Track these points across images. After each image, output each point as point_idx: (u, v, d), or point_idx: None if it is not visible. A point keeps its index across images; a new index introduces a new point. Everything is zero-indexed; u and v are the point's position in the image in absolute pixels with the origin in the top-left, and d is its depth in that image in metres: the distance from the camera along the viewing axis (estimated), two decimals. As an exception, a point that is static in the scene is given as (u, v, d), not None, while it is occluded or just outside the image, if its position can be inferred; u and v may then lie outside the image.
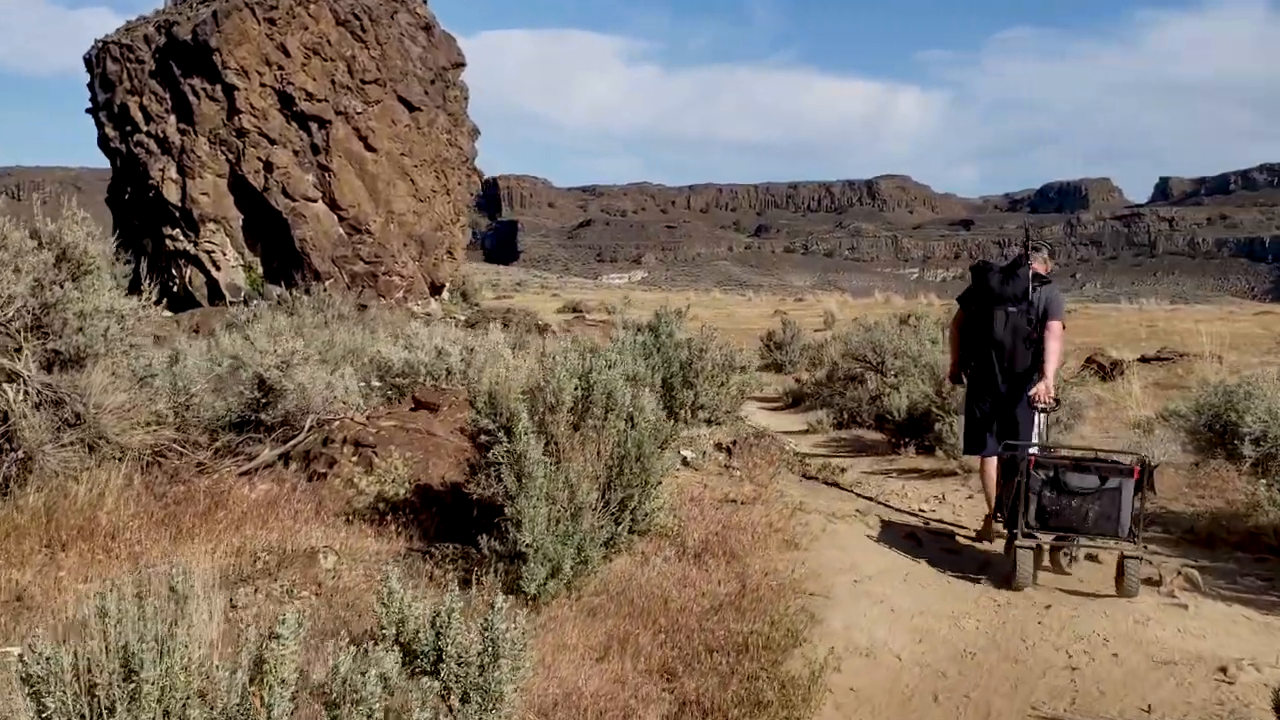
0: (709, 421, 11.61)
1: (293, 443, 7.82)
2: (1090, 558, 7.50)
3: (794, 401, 23.42)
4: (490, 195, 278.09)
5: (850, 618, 5.98)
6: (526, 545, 5.58)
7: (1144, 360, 24.43)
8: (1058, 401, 8.01)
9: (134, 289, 7.72)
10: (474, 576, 5.62)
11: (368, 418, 7.90)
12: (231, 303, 22.77)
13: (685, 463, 8.44)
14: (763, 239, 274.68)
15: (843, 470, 10.82)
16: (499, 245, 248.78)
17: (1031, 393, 7.66)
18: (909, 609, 6.27)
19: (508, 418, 5.92)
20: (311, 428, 7.92)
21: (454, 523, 6.58)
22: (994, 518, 7.99)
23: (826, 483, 9.56)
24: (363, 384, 9.21)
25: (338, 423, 7.79)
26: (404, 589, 3.54)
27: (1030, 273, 7.73)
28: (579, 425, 6.08)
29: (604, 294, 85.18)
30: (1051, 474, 6.81)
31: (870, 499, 9.36)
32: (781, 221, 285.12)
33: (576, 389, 6.14)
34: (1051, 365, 7.65)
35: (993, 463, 8.06)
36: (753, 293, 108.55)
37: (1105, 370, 22.38)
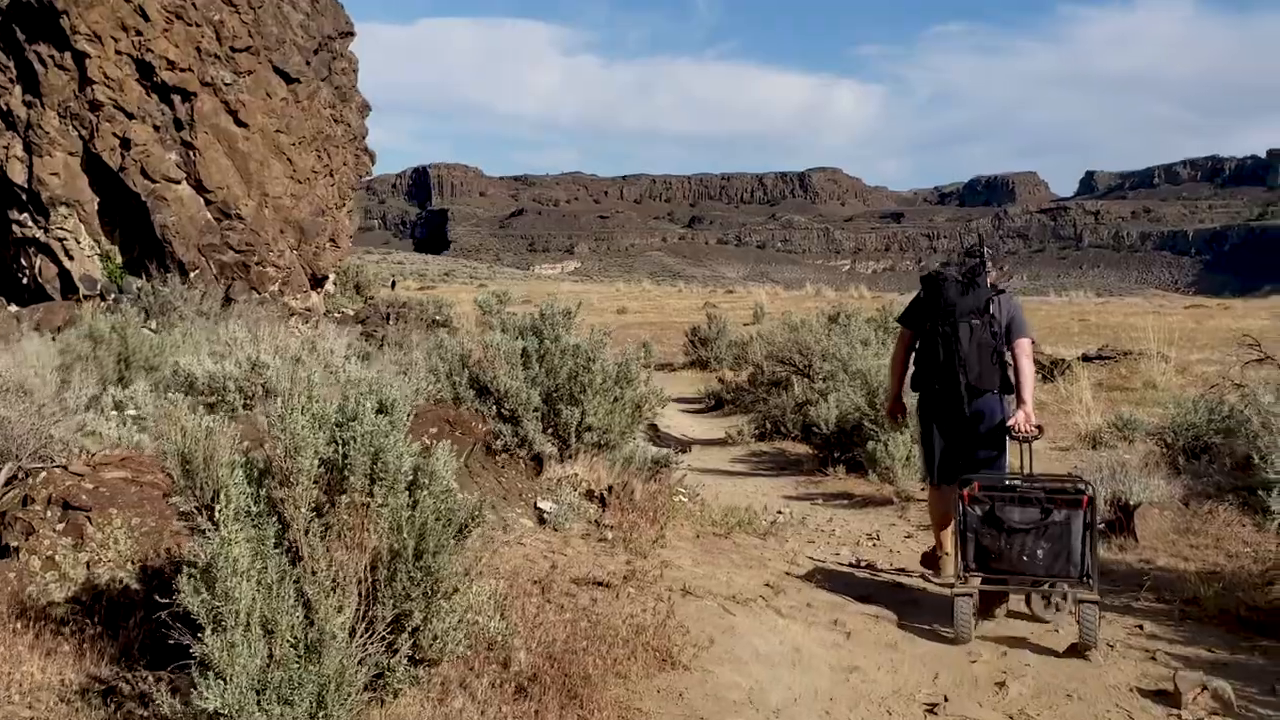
0: (599, 446, 9.52)
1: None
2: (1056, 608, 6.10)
3: (716, 404, 21.66)
4: (421, 183, 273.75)
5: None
6: (218, 710, 3.42)
7: (1086, 359, 22.89)
8: (1040, 430, 6.91)
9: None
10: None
11: (92, 465, 5.63)
12: (86, 296, 20.17)
13: (542, 520, 6.29)
14: (696, 230, 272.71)
15: (757, 514, 8.76)
16: (429, 235, 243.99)
17: (1011, 422, 6.74)
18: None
19: (213, 494, 3.77)
20: (10, 480, 5.65)
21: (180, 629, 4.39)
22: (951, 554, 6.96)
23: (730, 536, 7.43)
24: (117, 412, 6.91)
25: (44, 474, 5.52)
26: None
27: (988, 282, 6.90)
28: (329, 505, 3.92)
29: (535, 285, 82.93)
30: (988, 508, 5.89)
31: (789, 563, 7.25)
32: (715, 213, 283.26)
33: (334, 445, 3.98)
34: (1028, 389, 6.77)
35: (950, 492, 6.83)
36: (685, 284, 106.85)
37: (1047, 370, 20.76)
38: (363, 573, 3.94)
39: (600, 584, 5.36)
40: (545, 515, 6.25)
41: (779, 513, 10.55)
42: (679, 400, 22.30)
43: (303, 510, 3.88)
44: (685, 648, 4.79)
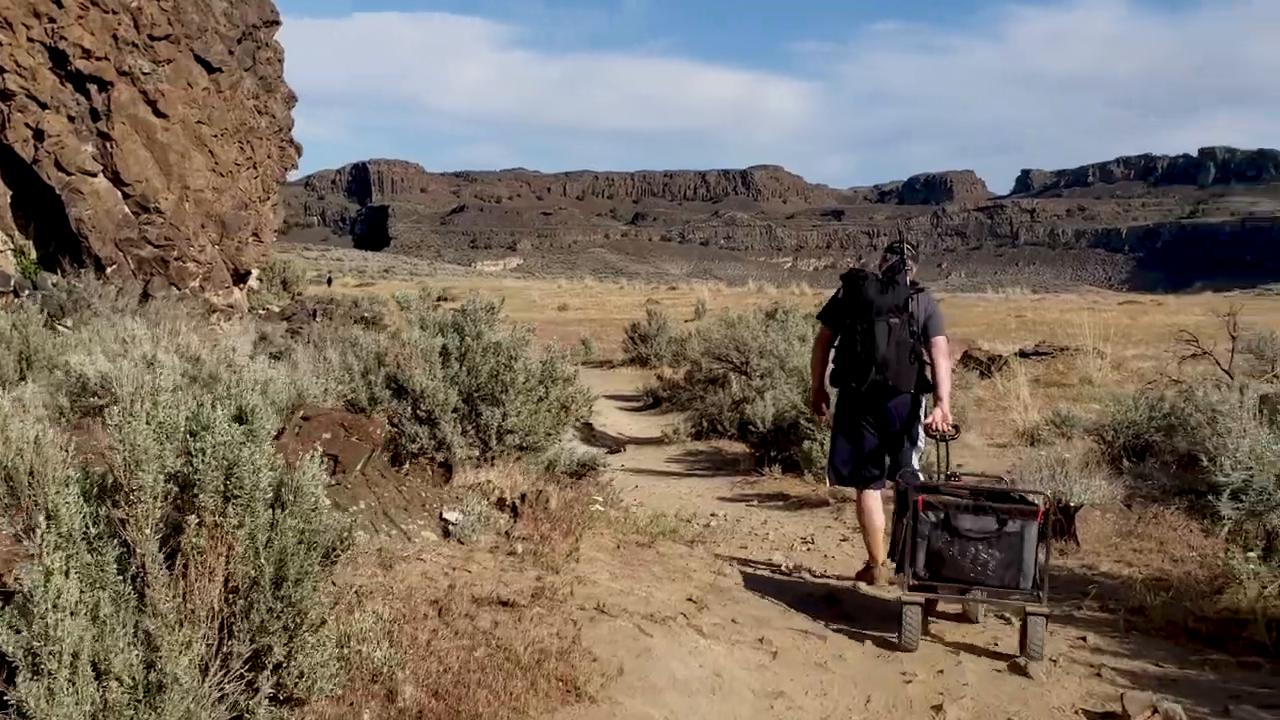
0: (522, 448, 9.05)
1: None
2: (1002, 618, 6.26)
3: (654, 402, 21.25)
4: (361, 179, 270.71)
5: None
6: (30, 772, 2.92)
7: (1023, 355, 22.79)
8: (957, 429, 6.88)
9: None
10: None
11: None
12: (0, 293, 19.28)
13: (447, 532, 5.79)
14: (639, 227, 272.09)
15: (686, 522, 8.32)
16: (369, 231, 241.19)
17: (928, 420, 6.72)
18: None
19: (45, 514, 3.25)
20: None
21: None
22: (885, 567, 6.85)
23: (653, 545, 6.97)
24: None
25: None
26: None
27: (908, 280, 6.86)
28: (177, 527, 3.42)
29: (476, 282, 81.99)
30: (943, 515, 5.68)
31: (716, 574, 6.80)
32: (658, 209, 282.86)
33: (185, 456, 3.48)
34: (945, 388, 6.72)
35: (875, 496, 6.97)
36: (628, 281, 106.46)
37: (984, 366, 20.61)
38: (217, 603, 3.45)
39: (505, 604, 4.88)
40: (451, 527, 5.76)
41: (712, 515, 10.15)
42: (617, 398, 21.84)
43: (146, 533, 3.38)
44: (593, 676, 4.33)
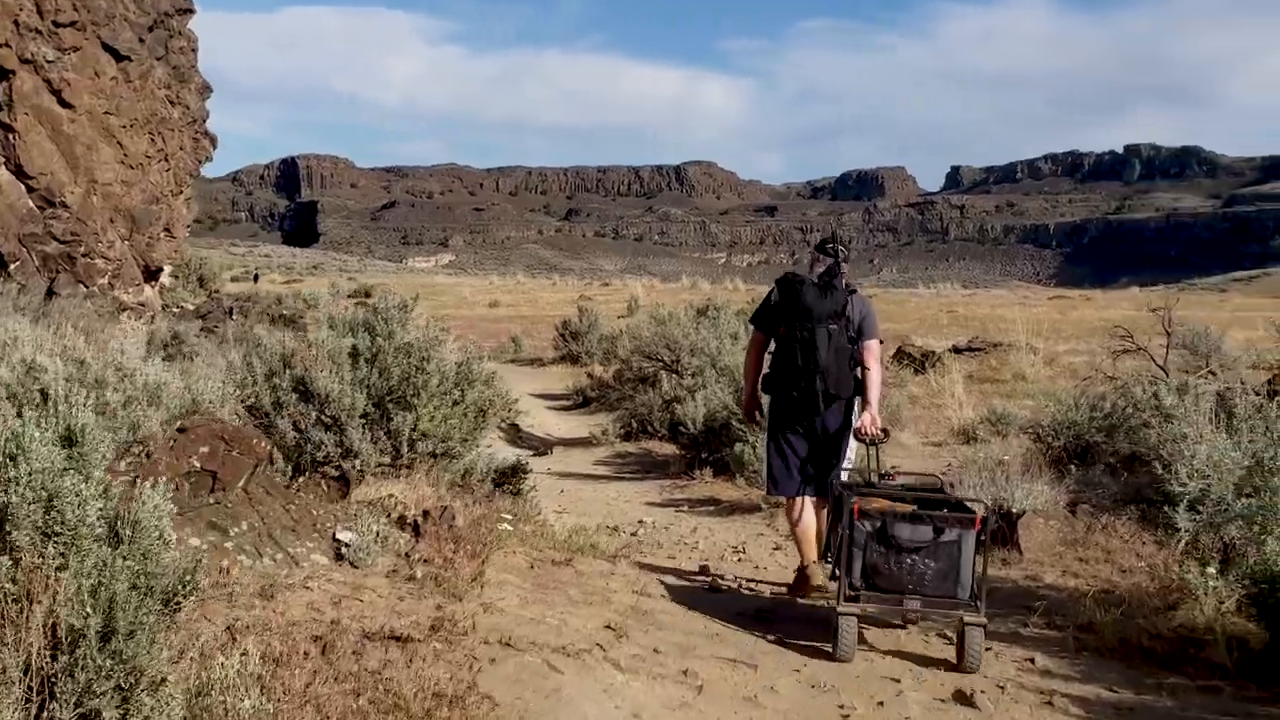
0: (435, 455, 8.52)
1: None
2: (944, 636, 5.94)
3: (584, 401, 20.82)
4: (290, 175, 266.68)
5: None
6: None
7: (956, 351, 22.63)
8: (886, 433, 6.67)
9: None
10: None
11: None
12: (-104, 292, 18.31)
13: (339, 555, 5.24)
14: (573, 223, 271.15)
15: (611, 531, 7.84)
16: (298, 227, 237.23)
17: (857, 424, 6.52)
18: None
19: None
20: None
21: None
22: (819, 565, 6.56)
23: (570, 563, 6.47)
24: None
25: None
26: None
27: (844, 283, 6.62)
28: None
29: (407, 278, 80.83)
30: (879, 524, 5.47)
31: (639, 594, 6.31)
32: (592, 205, 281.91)
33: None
34: (875, 392, 6.58)
35: (807, 505, 6.62)
36: (559, 277, 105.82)
37: (918, 362, 20.39)
38: (36, 660, 2.91)
39: (398, 639, 4.35)
40: (344, 548, 5.21)
41: (639, 522, 9.68)
42: (546, 396, 21.31)
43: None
44: (493, 724, 3.84)
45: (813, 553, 6.55)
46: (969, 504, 5.70)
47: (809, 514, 6.59)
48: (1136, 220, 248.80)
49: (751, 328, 7.12)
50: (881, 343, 6.95)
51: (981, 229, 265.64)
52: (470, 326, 35.59)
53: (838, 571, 5.60)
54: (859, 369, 6.57)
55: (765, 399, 6.98)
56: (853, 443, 6.66)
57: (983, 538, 5.47)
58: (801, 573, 6.73)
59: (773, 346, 6.84)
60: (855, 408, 6.63)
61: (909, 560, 5.41)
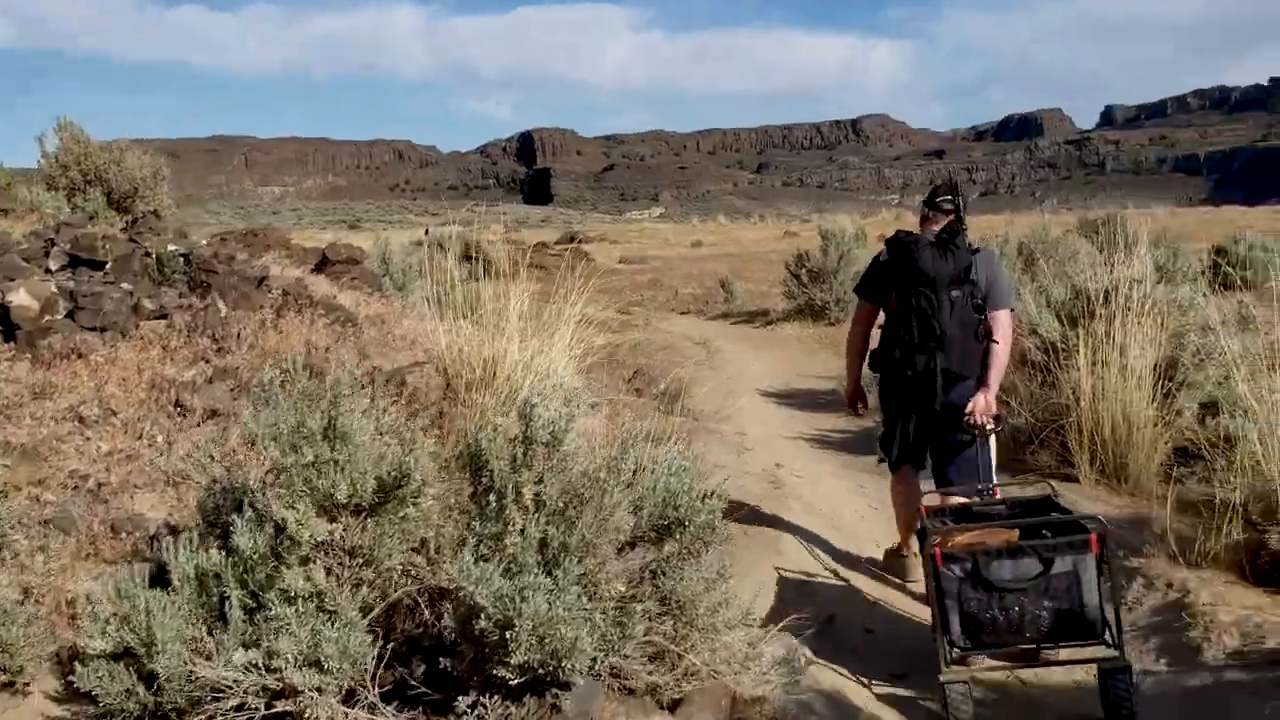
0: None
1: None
2: None
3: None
4: (527, 146, 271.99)
5: None
6: None
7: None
8: (999, 420, 4.95)
9: None
10: None
11: None
12: None
13: None
14: (763, 175, 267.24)
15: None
16: (534, 190, 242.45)
17: (969, 408, 4.84)
18: None
19: None
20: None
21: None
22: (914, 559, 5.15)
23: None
24: None
25: None
26: None
27: (968, 242, 4.94)
28: None
29: (622, 227, 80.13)
30: (969, 566, 3.82)
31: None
32: (779, 159, 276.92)
33: None
34: (997, 372, 4.94)
35: (914, 484, 5.10)
36: (758, 218, 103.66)
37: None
38: None
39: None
40: None
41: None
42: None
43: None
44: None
45: (910, 542, 5.22)
46: (1084, 521, 4.01)
47: (909, 496, 5.10)
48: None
49: (856, 298, 5.42)
50: (1013, 311, 5.24)
51: (1135, 161, 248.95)
52: (667, 268, 29.09)
53: (933, 631, 3.97)
54: (988, 342, 4.92)
55: (873, 378, 5.33)
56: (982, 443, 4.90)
57: (1105, 560, 3.84)
58: (896, 550, 5.38)
59: (881, 319, 5.20)
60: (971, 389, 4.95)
61: (1017, 604, 3.79)
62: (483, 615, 2.59)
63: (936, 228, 4.99)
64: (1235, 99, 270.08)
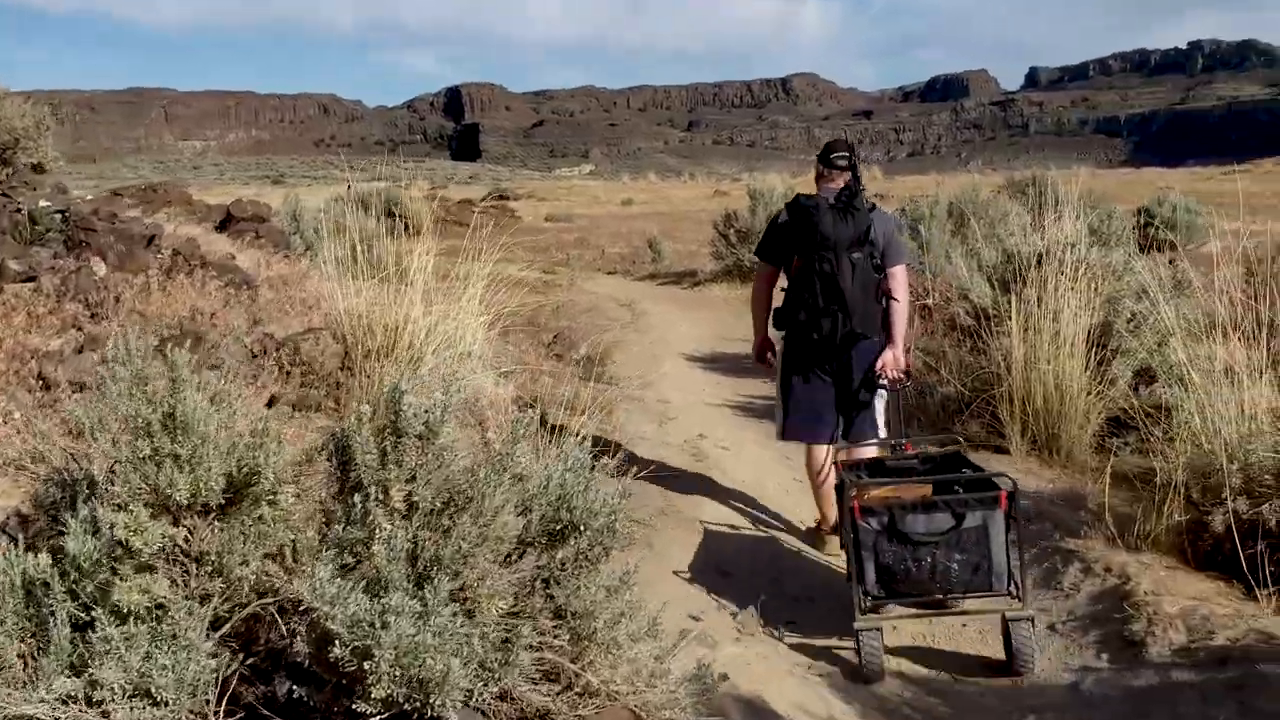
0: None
1: None
2: None
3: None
4: (454, 102, 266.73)
5: None
6: None
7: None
8: (909, 375, 5.20)
9: None
10: None
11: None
12: None
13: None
14: (694, 133, 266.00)
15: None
16: (462, 146, 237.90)
17: (879, 364, 4.96)
18: None
19: None
20: None
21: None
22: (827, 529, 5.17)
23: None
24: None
25: None
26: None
27: (865, 202, 4.94)
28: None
29: (552, 184, 78.84)
30: (886, 519, 3.93)
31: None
32: (710, 117, 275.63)
33: None
34: (900, 327, 5.02)
35: (824, 453, 5.03)
36: (688, 177, 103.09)
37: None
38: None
39: None
40: None
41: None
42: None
43: None
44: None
45: (831, 514, 5.10)
46: (994, 478, 4.13)
47: (820, 465, 5.07)
48: (1200, 109, 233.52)
49: (758, 260, 5.43)
50: (909, 266, 5.40)
51: (1058, 122, 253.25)
52: (595, 226, 28.72)
53: (849, 580, 4.05)
54: (886, 300, 4.99)
55: (777, 336, 5.30)
56: (881, 397, 5.05)
57: (1013, 516, 3.95)
58: (818, 530, 5.26)
59: (783, 280, 5.18)
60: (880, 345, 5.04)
61: (929, 556, 3.91)
62: (338, 642, 2.19)
63: (833, 185, 4.96)
64: (1155, 62, 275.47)
